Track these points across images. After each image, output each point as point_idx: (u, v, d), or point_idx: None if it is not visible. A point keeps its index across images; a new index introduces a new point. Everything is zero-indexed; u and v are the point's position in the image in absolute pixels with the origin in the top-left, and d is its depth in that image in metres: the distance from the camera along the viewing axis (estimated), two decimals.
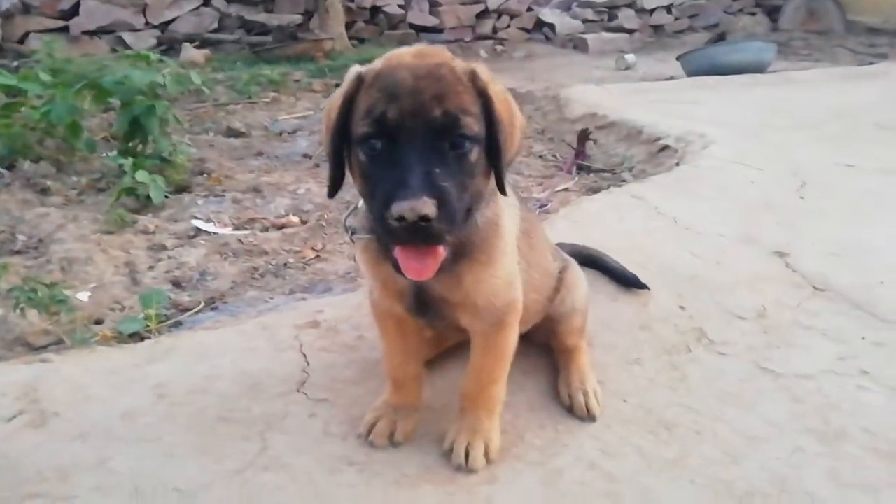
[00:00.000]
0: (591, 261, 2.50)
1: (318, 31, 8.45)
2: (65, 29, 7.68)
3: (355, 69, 1.44)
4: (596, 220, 3.10)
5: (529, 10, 10.44)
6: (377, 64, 1.42)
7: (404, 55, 1.42)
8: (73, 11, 7.75)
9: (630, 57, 8.56)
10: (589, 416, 1.88)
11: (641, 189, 3.50)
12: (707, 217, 3.17)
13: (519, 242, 1.71)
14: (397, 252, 1.37)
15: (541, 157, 4.90)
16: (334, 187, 1.51)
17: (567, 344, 2.03)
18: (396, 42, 8.54)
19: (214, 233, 3.30)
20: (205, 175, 4.14)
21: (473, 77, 1.41)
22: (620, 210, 3.20)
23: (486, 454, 1.70)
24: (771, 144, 4.39)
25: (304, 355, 2.08)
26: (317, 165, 4.48)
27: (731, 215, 3.22)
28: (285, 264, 3.01)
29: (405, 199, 1.25)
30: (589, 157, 4.67)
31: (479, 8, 9.96)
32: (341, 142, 1.45)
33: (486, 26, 10.11)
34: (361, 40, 9.28)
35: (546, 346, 2.10)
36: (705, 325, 2.33)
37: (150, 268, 2.95)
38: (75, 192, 3.82)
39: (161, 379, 1.94)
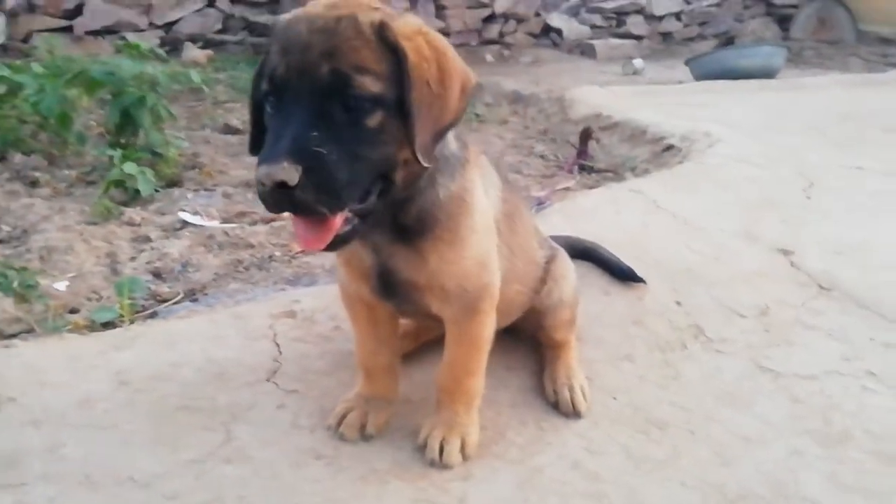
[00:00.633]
0: (585, 253, 2.39)
1: None
2: (69, 28, 7.69)
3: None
4: (592, 213, 2.99)
5: (537, 14, 10.35)
6: (290, 14, 1.30)
7: (318, 4, 1.28)
8: (78, 11, 7.75)
9: (638, 62, 8.46)
10: (574, 413, 1.77)
11: (641, 184, 3.40)
12: (709, 213, 3.06)
13: (499, 225, 1.61)
14: (291, 218, 1.26)
15: (542, 157, 4.81)
16: (253, 143, 1.39)
17: (554, 338, 1.92)
18: None
19: (201, 225, 3.22)
20: (197, 170, 4.07)
21: (381, 30, 1.24)
22: (618, 204, 3.10)
23: (463, 450, 1.59)
24: (778, 145, 4.28)
25: (277, 345, 1.99)
26: None
27: (733, 212, 3.11)
28: (270, 257, 2.92)
29: (264, 163, 1.15)
30: (591, 156, 4.58)
31: (486, 12, 9.88)
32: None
33: (493, 31, 10.02)
34: None
35: (532, 341, 1.99)
36: (702, 321, 2.23)
37: (132, 258, 2.87)
38: (65, 184, 3.75)
39: (124, 366, 1.85)
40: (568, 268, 1.96)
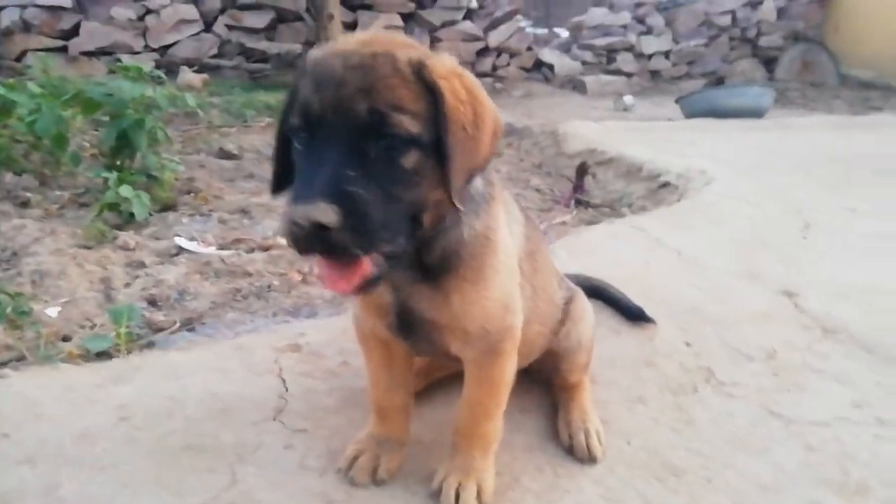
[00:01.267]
0: (595, 291, 2.37)
1: None
2: (63, 49, 7.64)
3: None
4: (595, 249, 2.98)
5: (529, 49, 10.53)
6: (320, 49, 1.27)
7: (350, 41, 1.24)
8: (74, 31, 7.72)
9: (628, 98, 8.61)
10: (590, 458, 1.72)
11: (642, 221, 3.41)
12: (709, 251, 3.07)
13: (522, 264, 1.57)
14: (317, 259, 1.20)
15: (538, 190, 4.82)
16: (277, 182, 1.35)
17: (569, 381, 1.87)
18: None
19: (197, 252, 3.16)
20: (192, 194, 4.02)
21: (419, 69, 1.20)
22: (620, 239, 3.09)
23: (479, 497, 1.53)
24: (771, 185, 4.33)
25: (283, 380, 1.92)
26: None
27: (733, 250, 3.12)
28: (269, 286, 2.86)
29: (300, 203, 1.10)
30: (587, 191, 4.60)
31: (480, 45, 10.03)
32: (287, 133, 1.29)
33: (486, 64, 10.17)
34: None
35: (546, 383, 1.95)
36: (712, 363, 2.20)
37: (127, 285, 2.79)
38: (56, 206, 3.68)
39: (124, 400, 1.77)
40: (585, 309, 1.92)
